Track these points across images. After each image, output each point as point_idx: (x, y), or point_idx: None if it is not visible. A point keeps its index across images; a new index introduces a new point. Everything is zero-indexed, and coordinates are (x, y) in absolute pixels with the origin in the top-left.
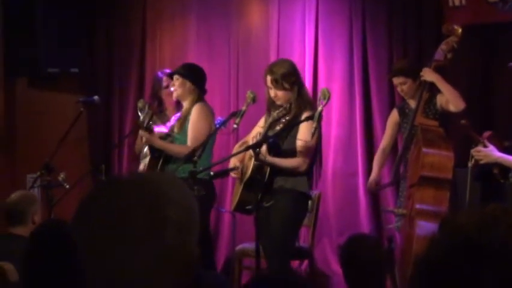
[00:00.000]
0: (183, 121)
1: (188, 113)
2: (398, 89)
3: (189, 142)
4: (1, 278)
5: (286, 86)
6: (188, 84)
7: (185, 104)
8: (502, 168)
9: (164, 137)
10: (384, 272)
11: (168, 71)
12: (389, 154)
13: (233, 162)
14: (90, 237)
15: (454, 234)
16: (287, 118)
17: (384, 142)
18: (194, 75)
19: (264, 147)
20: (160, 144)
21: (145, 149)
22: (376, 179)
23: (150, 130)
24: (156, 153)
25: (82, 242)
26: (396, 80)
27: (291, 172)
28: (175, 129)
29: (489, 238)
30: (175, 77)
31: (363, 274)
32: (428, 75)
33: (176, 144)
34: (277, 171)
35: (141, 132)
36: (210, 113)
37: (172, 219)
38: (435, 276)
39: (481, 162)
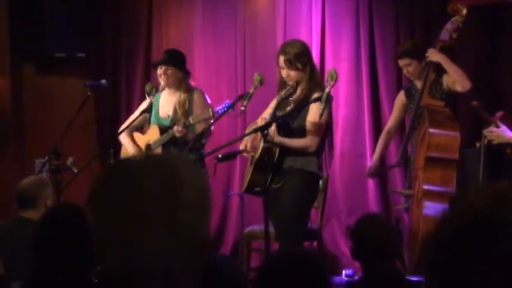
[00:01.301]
0: (183, 106)
1: (186, 98)
2: (404, 70)
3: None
4: None
5: (299, 66)
6: (179, 72)
7: (181, 91)
8: None
9: (170, 120)
10: (394, 250)
11: None
12: (394, 135)
13: (244, 143)
14: (107, 216)
15: (465, 212)
16: (294, 97)
17: (389, 123)
18: (181, 61)
19: (272, 128)
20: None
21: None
22: (376, 165)
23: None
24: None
25: (98, 220)
26: (401, 62)
27: (300, 152)
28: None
29: (500, 215)
30: (164, 66)
31: (373, 253)
32: (433, 55)
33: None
34: (286, 151)
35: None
36: (207, 100)
37: (187, 199)
38: (446, 254)
39: (494, 142)
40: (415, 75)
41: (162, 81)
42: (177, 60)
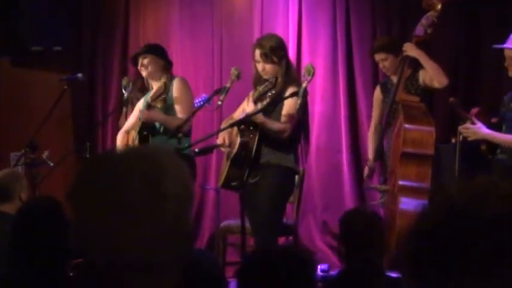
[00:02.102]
0: (164, 97)
1: (167, 88)
2: (380, 65)
3: (180, 115)
4: None
5: (275, 59)
6: (158, 60)
7: (162, 80)
8: (490, 144)
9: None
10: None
11: None
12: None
13: (221, 137)
14: (88, 209)
15: (445, 206)
16: (273, 92)
17: (373, 120)
18: (161, 52)
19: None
20: (161, 118)
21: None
22: (373, 166)
23: (149, 107)
24: (144, 130)
25: (79, 213)
26: (378, 57)
27: (276, 145)
28: (156, 103)
29: (480, 209)
30: (143, 56)
31: (358, 245)
32: (410, 50)
33: (176, 117)
34: (263, 144)
35: (141, 112)
36: (189, 87)
37: (169, 192)
38: (425, 248)
39: (469, 139)
40: (391, 70)
41: (143, 72)
42: (155, 49)
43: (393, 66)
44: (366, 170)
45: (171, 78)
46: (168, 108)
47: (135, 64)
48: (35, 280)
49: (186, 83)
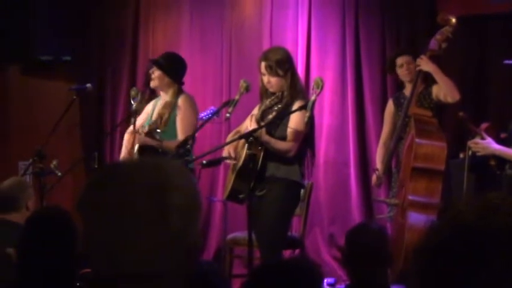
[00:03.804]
0: (168, 114)
1: (173, 105)
2: (404, 68)
3: (180, 135)
4: (6, 262)
5: (280, 72)
6: (166, 78)
7: (167, 96)
8: (499, 159)
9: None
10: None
11: None
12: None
13: (227, 150)
14: (96, 219)
15: (454, 222)
16: (279, 106)
17: (384, 135)
18: (174, 70)
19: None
20: (156, 143)
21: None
22: (378, 175)
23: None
24: (143, 151)
25: (87, 223)
26: (402, 60)
27: (281, 159)
28: (159, 123)
29: (489, 225)
30: (155, 69)
31: (365, 259)
32: (425, 65)
33: (169, 140)
34: (269, 157)
35: (137, 135)
36: (195, 103)
37: (177, 205)
38: (434, 263)
39: (479, 154)
40: (412, 74)
41: (151, 81)
42: (167, 64)
43: (414, 72)
44: (374, 179)
45: (176, 95)
46: (172, 126)
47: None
48: None
49: (191, 101)
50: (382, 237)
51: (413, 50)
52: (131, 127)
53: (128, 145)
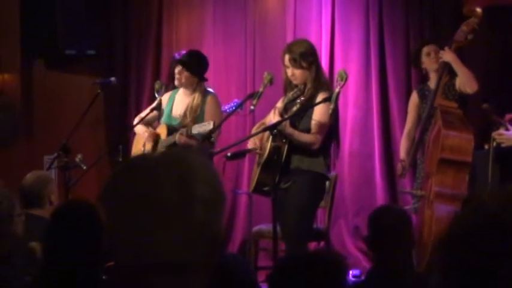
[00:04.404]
0: (195, 112)
1: (200, 104)
2: (431, 56)
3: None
4: (31, 256)
5: (304, 65)
6: (191, 76)
7: (195, 96)
8: None
9: (178, 123)
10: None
11: (184, 52)
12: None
13: (252, 142)
14: (120, 211)
15: (478, 212)
16: (302, 99)
17: (408, 126)
18: (198, 68)
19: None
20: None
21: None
22: (404, 165)
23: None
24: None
25: (111, 215)
26: (428, 48)
27: (306, 151)
28: (188, 119)
29: None
30: (179, 67)
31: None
32: (446, 55)
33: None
34: (294, 149)
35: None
36: (220, 103)
37: (201, 197)
38: (458, 254)
39: (503, 145)
40: (438, 63)
41: (176, 80)
42: (193, 64)
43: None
44: (399, 168)
45: (204, 93)
46: (198, 121)
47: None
48: (70, 283)
49: (218, 101)
50: (404, 218)
51: (439, 40)
52: (141, 116)
53: (143, 136)
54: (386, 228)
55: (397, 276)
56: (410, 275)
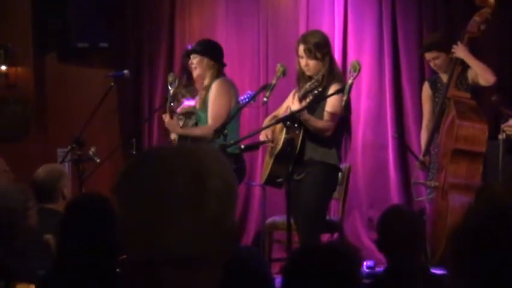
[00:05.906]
0: (204, 97)
1: (208, 88)
2: (431, 63)
3: (209, 120)
4: (47, 249)
5: (319, 55)
6: (206, 60)
7: (205, 81)
8: None
9: (190, 112)
10: (419, 243)
11: None
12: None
13: (264, 134)
14: (134, 203)
15: (491, 203)
16: (319, 90)
17: (425, 118)
18: (211, 51)
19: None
20: (181, 131)
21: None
22: (424, 159)
23: (171, 114)
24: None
25: (125, 207)
26: (429, 55)
27: (319, 141)
28: (197, 106)
29: None
30: (193, 56)
31: (398, 245)
32: (458, 51)
33: (197, 127)
34: (308, 138)
35: (163, 116)
36: (230, 87)
37: (214, 190)
38: (472, 244)
39: None
40: (443, 68)
41: (194, 73)
42: (205, 49)
43: (445, 64)
44: (419, 164)
45: (213, 78)
46: (207, 109)
47: (189, 56)
48: (83, 276)
49: (225, 85)
50: (415, 222)
51: (440, 42)
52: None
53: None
54: (397, 234)
55: (409, 278)
56: (421, 276)
